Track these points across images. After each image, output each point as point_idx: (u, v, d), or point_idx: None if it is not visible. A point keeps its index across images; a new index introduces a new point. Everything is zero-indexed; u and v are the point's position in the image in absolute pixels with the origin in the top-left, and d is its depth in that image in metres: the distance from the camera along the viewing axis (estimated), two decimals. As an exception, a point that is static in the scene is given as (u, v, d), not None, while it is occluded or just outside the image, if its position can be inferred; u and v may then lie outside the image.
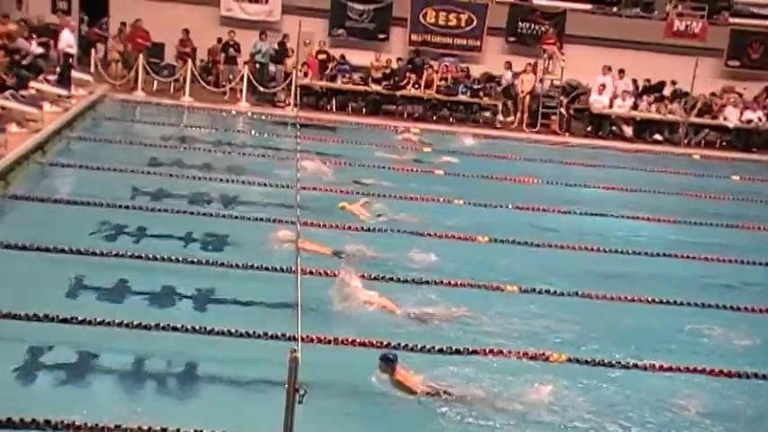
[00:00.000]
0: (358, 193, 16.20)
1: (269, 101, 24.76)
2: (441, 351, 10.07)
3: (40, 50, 21.66)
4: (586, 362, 10.21)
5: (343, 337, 10.03)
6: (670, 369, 10.23)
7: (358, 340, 10.02)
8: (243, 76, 24.29)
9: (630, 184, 19.66)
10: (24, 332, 9.60)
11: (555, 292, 12.25)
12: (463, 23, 27.44)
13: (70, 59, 21.96)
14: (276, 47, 25.08)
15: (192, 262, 11.99)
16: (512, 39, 27.84)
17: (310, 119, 22.88)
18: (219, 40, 25.47)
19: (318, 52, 25.76)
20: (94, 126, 20.75)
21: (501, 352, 10.17)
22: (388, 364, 9.06)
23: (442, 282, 12.16)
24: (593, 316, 11.73)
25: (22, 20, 23.58)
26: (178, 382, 8.96)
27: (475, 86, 25.75)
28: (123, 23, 25.44)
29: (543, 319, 11.44)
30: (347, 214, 14.72)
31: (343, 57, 26.05)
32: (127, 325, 9.82)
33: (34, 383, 8.77)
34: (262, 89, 24.59)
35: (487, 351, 10.18)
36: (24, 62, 20.59)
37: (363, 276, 11.50)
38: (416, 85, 25.24)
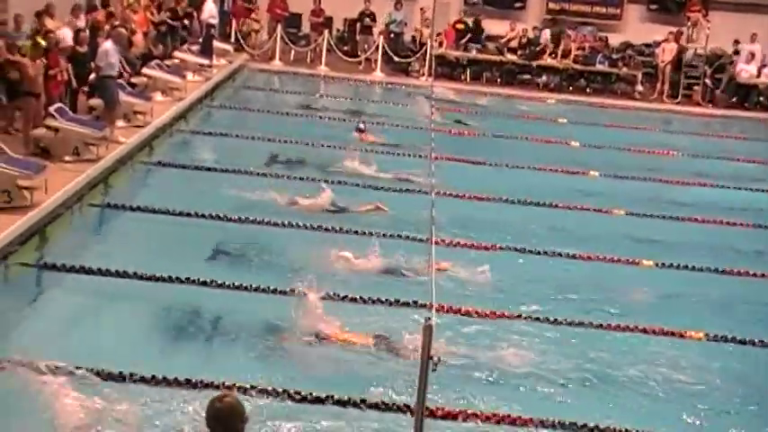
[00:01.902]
0: (489, 164, 16.15)
1: (403, 70, 24.80)
2: (579, 324, 9.94)
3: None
4: (724, 339, 9.90)
5: (473, 307, 10.04)
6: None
7: (487, 311, 10.02)
8: (378, 46, 24.39)
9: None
10: (167, 294, 10.00)
11: (693, 267, 11.89)
12: (602, -9, 26.71)
13: (212, 30, 22.52)
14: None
15: (327, 229, 12.17)
16: (653, 6, 26.90)
17: (445, 88, 22.75)
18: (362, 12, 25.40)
19: (457, 22, 25.57)
20: (234, 95, 21.28)
21: (636, 327, 9.97)
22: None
23: (575, 255, 11.97)
24: (732, 293, 11.35)
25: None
26: (311, 347, 9.11)
27: (613, 56, 25.10)
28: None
29: (680, 294, 11.15)
30: None
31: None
32: (263, 290, 10.10)
33: (176, 344, 9.11)
34: (396, 59, 24.65)
35: (621, 326, 9.99)
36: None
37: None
38: (553, 55, 24.80)
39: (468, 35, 25.22)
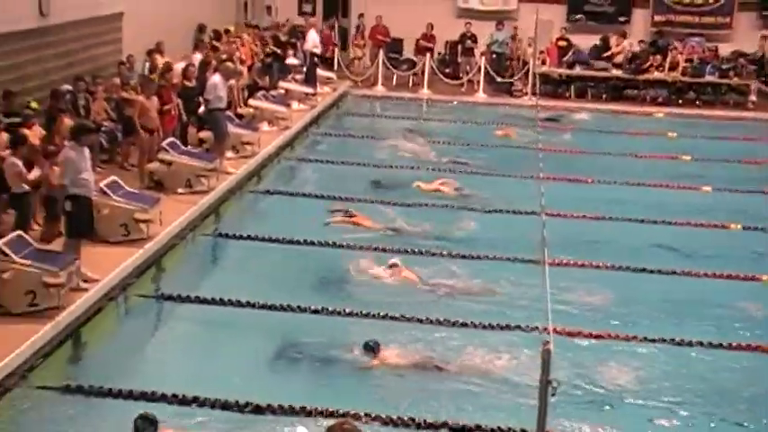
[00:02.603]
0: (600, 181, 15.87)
1: (506, 90, 24.64)
2: (698, 344, 9.65)
3: (295, 61, 22.39)
4: None
5: (588, 329, 9.84)
6: None
7: (603, 333, 9.83)
8: (480, 67, 24.32)
9: None
10: (278, 322, 10.11)
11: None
12: (711, 0, 26.04)
13: (315, 59, 22.84)
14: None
15: (433, 254, 12.12)
16: (766, 13, 26.11)
17: (549, 107, 22.48)
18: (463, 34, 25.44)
19: (559, 39, 25.31)
20: (338, 122, 21.50)
21: (759, 347, 9.61)
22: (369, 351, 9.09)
23: (691, 273, 11.64)
24: None
25: (270, 25, 24.85)
26: (423, 373, 9.06)
27: (723, 66, 24.39)
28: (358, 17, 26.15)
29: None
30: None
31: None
32: (373, 316, 10.11)
33: (289, 371, 9.18)
34: (499, 79, 24.52)
35: (742, 345, 9.66)
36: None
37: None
38: (660, 68, 24.26)
39: (570, 53, 24.89)
